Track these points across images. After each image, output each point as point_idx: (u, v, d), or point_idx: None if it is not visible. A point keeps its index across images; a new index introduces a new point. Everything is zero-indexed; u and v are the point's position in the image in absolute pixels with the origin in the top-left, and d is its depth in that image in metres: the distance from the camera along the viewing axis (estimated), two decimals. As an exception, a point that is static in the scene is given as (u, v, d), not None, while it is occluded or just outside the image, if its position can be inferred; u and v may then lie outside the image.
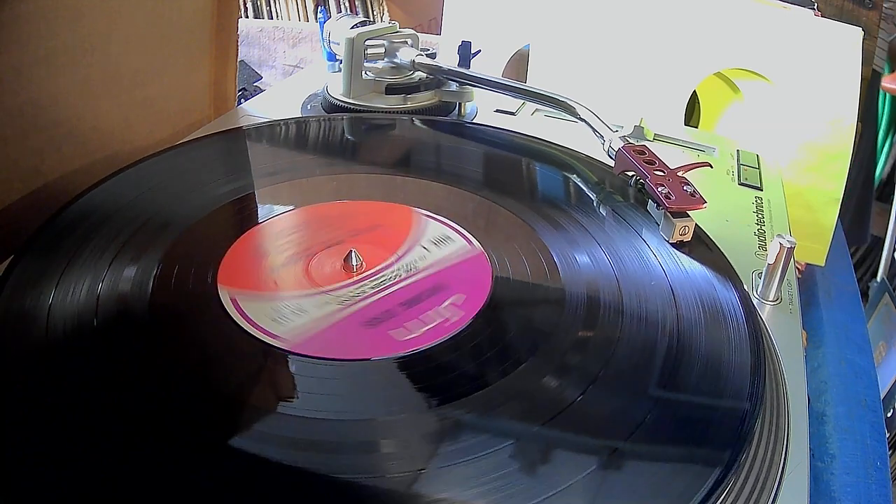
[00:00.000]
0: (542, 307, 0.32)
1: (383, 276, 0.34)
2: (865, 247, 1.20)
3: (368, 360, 0.29)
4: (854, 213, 1.06)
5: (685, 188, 0.38)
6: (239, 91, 0.66)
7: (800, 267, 0.60)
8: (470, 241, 0.36)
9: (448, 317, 0.31)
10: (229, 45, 0.56)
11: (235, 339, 0.29)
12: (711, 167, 0.44)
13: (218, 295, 0.31)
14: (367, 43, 0.51)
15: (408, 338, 0.30)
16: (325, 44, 0.57)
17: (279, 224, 0.37)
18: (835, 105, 0.58)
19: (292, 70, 0.92)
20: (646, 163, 0.40)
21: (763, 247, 0.41)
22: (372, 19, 0.59)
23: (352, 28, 0.52)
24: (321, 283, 0.33)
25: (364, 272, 0.34)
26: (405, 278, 0.34)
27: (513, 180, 0.44)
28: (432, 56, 0.52)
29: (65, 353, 0.28)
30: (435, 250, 0.36)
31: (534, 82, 0.63)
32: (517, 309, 0.33)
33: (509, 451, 0.24)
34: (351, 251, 0.34)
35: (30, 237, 0.34)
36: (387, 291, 0.33)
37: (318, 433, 0.25)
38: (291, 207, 0.39)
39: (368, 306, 0.32)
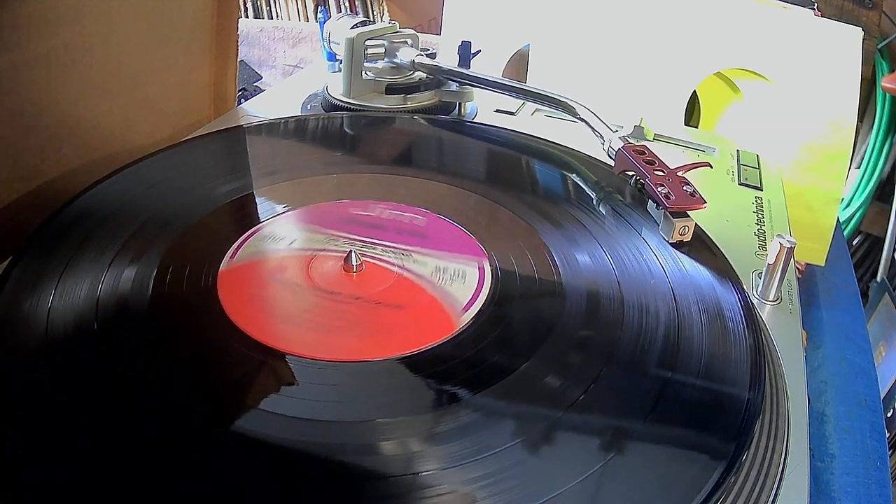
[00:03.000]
0: (542, 307, 0.32)
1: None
2: (865, 247, 1.20)
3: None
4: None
5: (685, 188, 0.38)
6: (239, 91, 0.66)
7: (800, 267, 0.60)
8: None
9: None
10: (229, 45, 0.56)
11: (235, 339, 0.29)
12: (711, 167, 0.44)
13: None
14: (367, 43, 0.51)
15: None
16: (325, 44, 0.57)
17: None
18: (835, 105, 0.58)
19: (292, 70, 0.92)
20: (646, 163, 0.40)
21: (763, 247, 0.41)
22: (372, 19, 0.59)
23: (352, 28, 0.52)
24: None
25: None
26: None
27: (513, 180, 0.44)
28: (432, 56, 0.52)
29: (65, 352, 0.28)
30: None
31: (534, 82, 0.63)
32: (517, 309, 0.33)
33: (511, 452, 0.24)
34: (351, 251, 0.34)
35: (30, 236, 0.34)
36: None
37: (319, 434, 0.25)
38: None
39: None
